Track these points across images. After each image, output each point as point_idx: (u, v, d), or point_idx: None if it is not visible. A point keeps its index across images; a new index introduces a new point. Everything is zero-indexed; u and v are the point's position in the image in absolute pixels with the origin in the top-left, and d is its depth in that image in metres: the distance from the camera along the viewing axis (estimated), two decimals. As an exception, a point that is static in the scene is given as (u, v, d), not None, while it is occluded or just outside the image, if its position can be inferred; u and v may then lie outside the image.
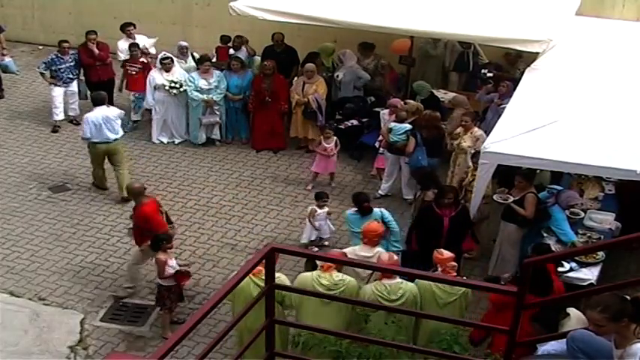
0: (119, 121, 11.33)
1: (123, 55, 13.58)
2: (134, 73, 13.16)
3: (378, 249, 8.38)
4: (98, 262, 10.12)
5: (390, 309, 7.23)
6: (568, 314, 7.09)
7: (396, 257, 8.09)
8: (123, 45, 13.64)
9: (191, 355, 8.45)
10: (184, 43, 13.55)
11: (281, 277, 7.41)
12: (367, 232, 8.47)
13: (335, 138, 11.78)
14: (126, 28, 13.79)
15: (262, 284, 6.62)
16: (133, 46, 13.19)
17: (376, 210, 9.35)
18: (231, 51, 13.59)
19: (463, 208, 9.24)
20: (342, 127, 12.46)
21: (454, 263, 7.97)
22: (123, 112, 11.68)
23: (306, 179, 12.14)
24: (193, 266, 10.06)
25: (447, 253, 8.01)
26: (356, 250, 8.43)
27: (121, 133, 11.41)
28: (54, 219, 11.01)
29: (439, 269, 7.90)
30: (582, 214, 9.77)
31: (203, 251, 10.41)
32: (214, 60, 13.43)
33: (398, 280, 7.70)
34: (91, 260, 10.15)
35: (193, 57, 13.35)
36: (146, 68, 13.10)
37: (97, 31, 13.53)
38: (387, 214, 9.34)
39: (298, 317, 7.83)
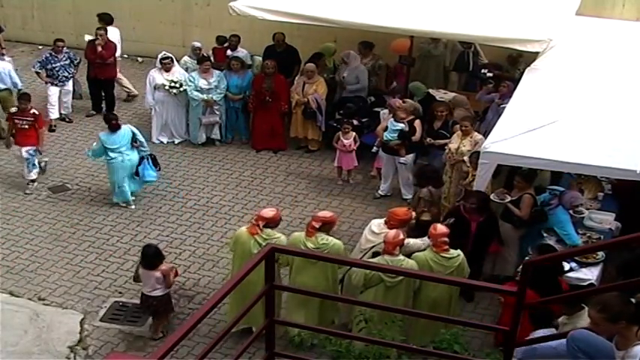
0: (11, 74, 12.93)
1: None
2: (26, 127, 11.39)
3: (387, 231, 8.43)
4: (98, 262, 10.11)
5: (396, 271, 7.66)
6: (583, 307, 7.11)
7: (402, 236, 8.21)
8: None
9: (191, 355, 8.45)
10: (198, 44, 13.53)
11: (281, 238, 8.41)
12: (391, 213, 8.77)
13: (354, 134, 11.79)
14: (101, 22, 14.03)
15: (262, 242, 8.02)
16: (23, 98, 11.66)
17: (125, 127, 11.06)
18: (229, 52, 13.60)
19: (492, 216, 9.18)
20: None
21: (446, 239, 8.20)
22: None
23: (306, 179, 12.16)
24: (193, 266, 10.10)
25: (440, 229, 8.28)
26: (373, 224, 8.85)
27: (10, 85, 12.88)
28: (54, 219, 11.01)
29: (430, 243, 8.24)
30: (585, 212, 9.78)
31: (203, 251, 10.41)
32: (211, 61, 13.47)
33: (400, 257, 8.05)
34: (91, 260, 10.15)
35: (206, 57, 13.10)
36: (38, 121, 11.48)
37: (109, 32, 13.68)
38: (136, 130, 11.17)
39: (290, 274, 8.50)
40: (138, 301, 9.28)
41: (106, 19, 14.08)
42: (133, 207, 11.27)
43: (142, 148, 11.19)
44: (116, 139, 10.96)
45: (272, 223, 8.48)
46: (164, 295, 8.71)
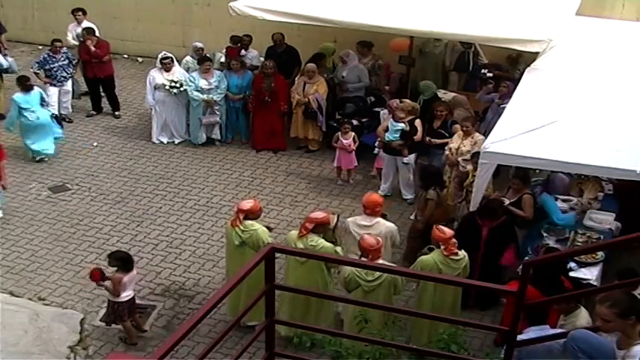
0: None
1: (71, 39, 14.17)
2: None
3: (378, 219, 8.79)
4: (98, 262, 10.08)
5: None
6: (579, 306, 7.12)
7: (382, 240, 8.16)
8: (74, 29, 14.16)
9: (191, 355, 8.45)
10: (199, 44, 13.55)
11: (259, 230, 8.48)
12: (368, 202, 8.88)
13: (353, 133, 11.79)
14: (75, 13, 14.13)
15: (241, 234, 8.35)
16: None
17: (36, 89, 12.31)
18: (243, 51, 13.63)
19: (506, 221, 8.97)
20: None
21: (455, 240, 8.15)
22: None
23: (306, 179, 12.17)
24: (193, 266, 10.10)
25: (448, 231, 8.22)
26: (357, 220, 8.92)
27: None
28: (54, 219, 11.01)
29: (441, 247, 8.13)
30: (574, 199, 9.85)
31: (203, 251, 10.41)
32: (223, 60, 13.49)
33: (379, 261, 7.96)
34: (91, 260, 10.14)
35: (207, 57, 13.15)
36: None
37: (96, 31, 13.75)
38: (43, 92, 12.48)
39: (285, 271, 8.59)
40: (138, 301, 9.08)
41: (84, 12, 14.20)
42: (46, 159, 12.40)
43: (49, 108, 12.55)
44: (29, 99, 12.15)
45: (251, 214, 8.59)
46: (115, 303, 8.69)
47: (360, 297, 8.01)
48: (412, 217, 10.64)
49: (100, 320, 9.08)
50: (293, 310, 8.40)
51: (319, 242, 8.26)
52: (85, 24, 14.00)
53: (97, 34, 13.82)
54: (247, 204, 8.68)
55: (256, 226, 8.53)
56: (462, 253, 8.22)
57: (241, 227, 8.50)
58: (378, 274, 7.91)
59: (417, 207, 10.07)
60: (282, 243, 8.89)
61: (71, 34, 14.14)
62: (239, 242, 8.49)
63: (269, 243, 8.13)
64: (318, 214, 8.57)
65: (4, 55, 14.22)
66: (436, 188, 9.71)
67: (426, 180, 9.83)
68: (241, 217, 8.53)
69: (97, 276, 8.56)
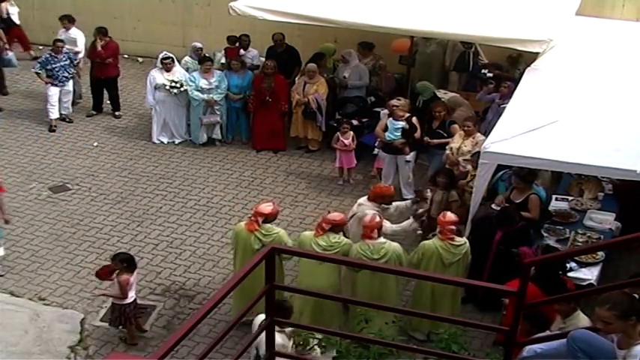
0: None
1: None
2: None
3: (362, 201, 9.23)
4: (98, 262, 10.09)
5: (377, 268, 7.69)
6: (576, 309, 7.11)
7: (378, 219, 8.34)
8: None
9: (191, 355, 8.45)
10: (199, 44, 13.55)
11: (280, 232, 8.47)
12: (375, 188, 9.38)
13: (352, 133, 11.80)
14: (61, 21, 14.08)
15: (263, 238, 8.15)
16: None
17: None
18: (242, 51, 13.63)
19: (522, 227, 8.92)
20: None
21: (454, 227, 8.30)
22: None
23: (306, 179, 12.17)
24: (193, 266, 10.09)
25: (449, 216, 8.37)
26: (360, 200, 9.40)
27: None
28: (54, 219, 11.00)
29: (437, 230, 8.33)
30: (537, 181, 10.03)
31: (203, 251, 10.41)
32: (223, 61, 13.50)
33: (381, 240, 8.20)
34: (91, 260, 10.14)
35: (207, 57, 13.15)
36: None
37: (107, 31, 13.71)
38: None
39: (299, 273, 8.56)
40: (138, 301, 9.01)
41: (70, 20, 14.15)
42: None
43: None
44: None
45: (270, 217, 8.55)
46: (119, 305, 8.71)
47: (367, 277, 8.11)
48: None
49: (102, 320, 9.08)
50: (314, 317, 8.28)
51: (342, 239, 8.31)
52: (73, 31, 14.01)
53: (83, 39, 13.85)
54: (267, 207, 8.56)
55: (276, 229, 8.49)
56: (462, 239, 8.32)
57: (262, 231, 8.39)
58: (383, 252, 8.09)
59: (438, 208, 9.88)
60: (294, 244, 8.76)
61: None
62: (259, 246, 8.24)
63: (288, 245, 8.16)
64: (336, 216, 8.54)
65: (4, 50, 14.25)
66: (457, 190, 9.80)
67: (449, 181, 9.80)
68: (260, 221, 8.42)
69: (106, 272, 8.60)
